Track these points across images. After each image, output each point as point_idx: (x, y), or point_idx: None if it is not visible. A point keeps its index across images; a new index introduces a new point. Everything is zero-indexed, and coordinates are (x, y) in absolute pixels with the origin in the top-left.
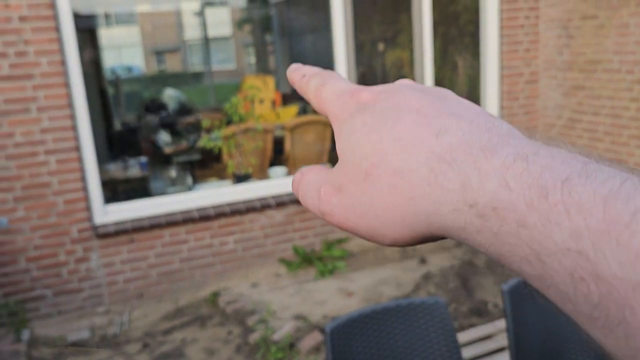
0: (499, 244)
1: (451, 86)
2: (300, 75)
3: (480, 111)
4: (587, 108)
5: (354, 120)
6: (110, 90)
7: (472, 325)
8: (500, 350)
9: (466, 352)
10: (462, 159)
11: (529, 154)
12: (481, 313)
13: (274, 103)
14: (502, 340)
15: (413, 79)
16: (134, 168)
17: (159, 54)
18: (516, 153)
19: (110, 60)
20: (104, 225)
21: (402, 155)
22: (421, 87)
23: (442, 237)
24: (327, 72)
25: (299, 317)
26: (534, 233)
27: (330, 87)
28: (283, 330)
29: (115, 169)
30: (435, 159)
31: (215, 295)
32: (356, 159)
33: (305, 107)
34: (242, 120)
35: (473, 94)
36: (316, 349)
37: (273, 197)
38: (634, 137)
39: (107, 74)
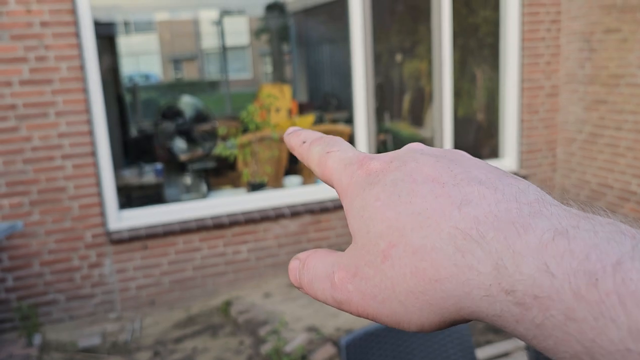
0: (543, 337)
1: (470, 98)
2: (300, 141)
3: (501, 174)
4: (609, 122)
5: (365, 195)
6: (128, 97)
7: (488, 342)
8: None
9: None
10: (492, 236)
11: (569, 228)
12: (498, 330)
13: (290, 112)
14: (520, 358)
15: (431, 90)
16: (149, 174)
17: (177, 62)
18: (554, 228)
19: (129, 67)
20: (118, 231)
21: (422, 232)
22: (432, 150)
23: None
24: (330, 138)
25: (311, 329)
26: (585, 328)
27: (335, 155)
28: (295, 342)
29: (131, 175)
30: (460, 236)
31: (228, 304)
32: (372, 238)
33: (322, 117)
34: (258, 128)
35: (492, 107)
36: None
37: (288, 207)
38: None
39: (125, 81)
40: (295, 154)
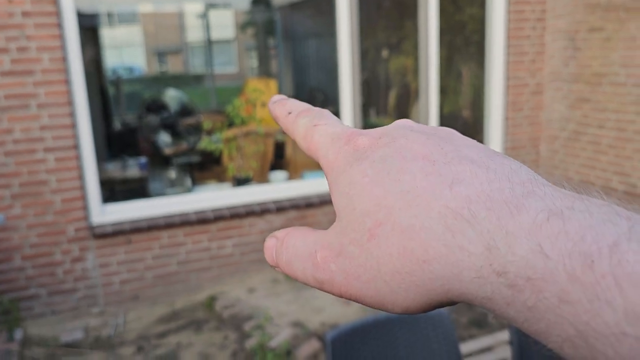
0: (535, 320)
1: (455, 95)
2: (286, 111)
3: (492, 153)
4: (592, 121)
5: (352, 171)
6: (111, 90)
7: (471, 337)
8: None
9: None
10: (484, 216)
11: (563, 209)
12: (481, 324)
13: None
14: (503, 352)
15: (417, 86)
16: (133, 168)
17: (161, 55)
18: (548, 208)
19: (112, 59)
20: (101, 226)
21: (411, 210)
22: (422, 127)
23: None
24: (318, 110)
25: (296, 324)
26: (579, 311)
27: (322, 129)
28: (280, 337)
29: (114, 169)
30: (451, 215)
31: (212, 299)
32: (357, 216)
33: None
34: (243, 123)
35: (477, 104)
36: (314, 357)
37: (273, 202)
38: (638, 151)
39: (108, 74)
40: (280, 124)
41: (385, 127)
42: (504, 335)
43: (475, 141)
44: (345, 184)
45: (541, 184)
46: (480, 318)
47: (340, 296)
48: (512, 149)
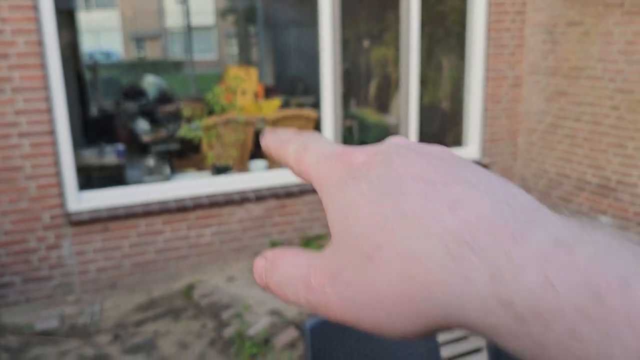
0: (541, 353)
1: (436, 86)
2: (278, 140)
3: (490, 176)
4: (568, 114)
5: (349, 190)
6: (88, 75)
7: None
8: (476, 350)
9: (443, 352)
10: (487, 242)
11: (569, 239)
12: None
13: (256, 95)
14: (478, 341)
15: (398, 77)
16: (110, 155)
17: (139, 40)
18: (553, 237)
19: (89, 44)
20: (78, 213)
21: (412, 234)
22: (417, 146)
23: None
24: (308, 134)
25: (274, 312)
26: (589, 348)
27: (313, 149)
28: (258, 325)
29: (91, 155)
30: (453, 240)
31: (190, 287)
32: (355, 238)
33: (288, 101)
34: (224, 110)
35: (457, 96)
36: (291, 345)
37: (252, 191)
38: (612, 144)
39: (85, 59)
40: (272, 152)
41: (378, 144)
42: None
43: (469, 161)
44: (341, 204)
45: (543, 210)
46: None
47: (336, 320)
48: (491, 141)
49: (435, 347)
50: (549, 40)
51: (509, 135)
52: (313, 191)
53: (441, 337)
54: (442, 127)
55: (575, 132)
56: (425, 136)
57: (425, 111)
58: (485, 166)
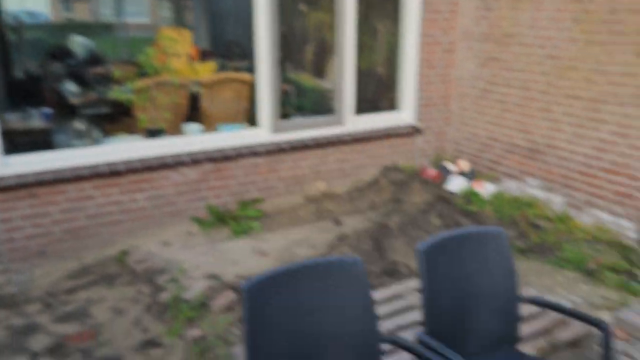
0: None
1: (371, 52)
2: None
3: None
4: (500, 80)
5: None
6: (12, 37)
7: (383, 285)
8: (409, 309)
9: (378, 310)
10: None
11: None
12: (392, 273)
13: (191, 58)
14: (412, 299)
15: (334, 42)
16: (37, 119)
17: (67, 1)
18: None
19: (12, 4)
20: (3, 178)
21: None
22: None
23: None
24: None
25: (211, 276)
26: None
27: None
28: (195, 289)
29: (16, 119)
30: None
31: (124, 253)
32: None
33: (224, 65)
34: (157, 73)
35: (392, 61)
36: (229, 308)
37: (187, 154)
38: (541, 109)
39: (9, 19)
40: None
41: None
42: (414, 283)
43: None
44: None
45: None
46: (392, 268)
47: None
48: (425, 106)
49: (370, 305)
50: (482, 6)
51: (442, 100)
52: (249, 155)
53: (377, 295)
54: (377, 92)
55: (506, 97)
56: (361, 101)
57: (361, 76)
58: (419, 130)
